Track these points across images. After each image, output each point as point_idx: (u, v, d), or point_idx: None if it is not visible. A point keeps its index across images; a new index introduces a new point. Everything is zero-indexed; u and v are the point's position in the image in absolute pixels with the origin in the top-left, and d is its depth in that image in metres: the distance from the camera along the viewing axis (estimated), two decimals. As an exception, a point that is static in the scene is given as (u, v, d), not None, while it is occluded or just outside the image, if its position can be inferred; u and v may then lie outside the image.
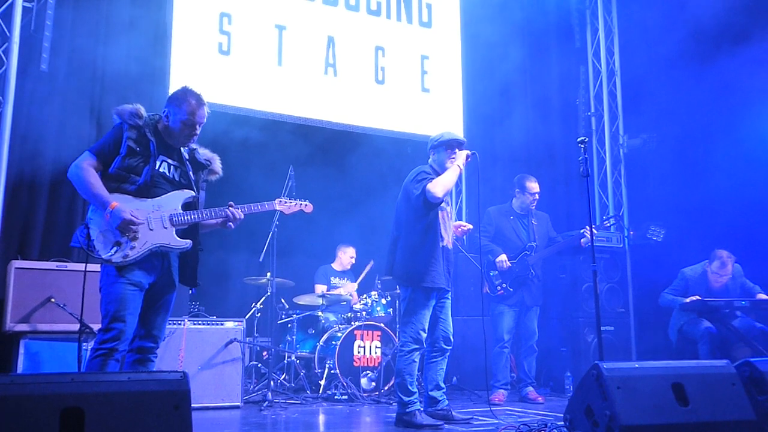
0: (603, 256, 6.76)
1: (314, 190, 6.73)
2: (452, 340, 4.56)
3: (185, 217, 3.36)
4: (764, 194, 6.34)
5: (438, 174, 4.47)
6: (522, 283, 5.77)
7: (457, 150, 4.48)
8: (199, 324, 5.25)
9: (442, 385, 4.53)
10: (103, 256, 3.15)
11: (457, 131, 7.60)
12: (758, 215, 6.30)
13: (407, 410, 4.25)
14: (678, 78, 7.10)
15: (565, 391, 6.25)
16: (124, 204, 3.20)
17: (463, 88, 7.74)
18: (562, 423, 3.18)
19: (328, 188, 6.99)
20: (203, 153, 3.66)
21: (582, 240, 5.85)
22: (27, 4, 5.52)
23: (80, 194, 3.29)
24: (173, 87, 6.00)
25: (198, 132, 3.46)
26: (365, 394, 5.71)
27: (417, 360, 4.36)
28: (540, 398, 5.72)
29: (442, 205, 4.45)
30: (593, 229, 4.41)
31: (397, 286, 5.41)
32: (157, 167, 3.35)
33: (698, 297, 5.68)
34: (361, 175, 7.25)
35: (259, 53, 6.59)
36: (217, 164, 3.71)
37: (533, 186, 5.90)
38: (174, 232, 3.33)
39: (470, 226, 4.85)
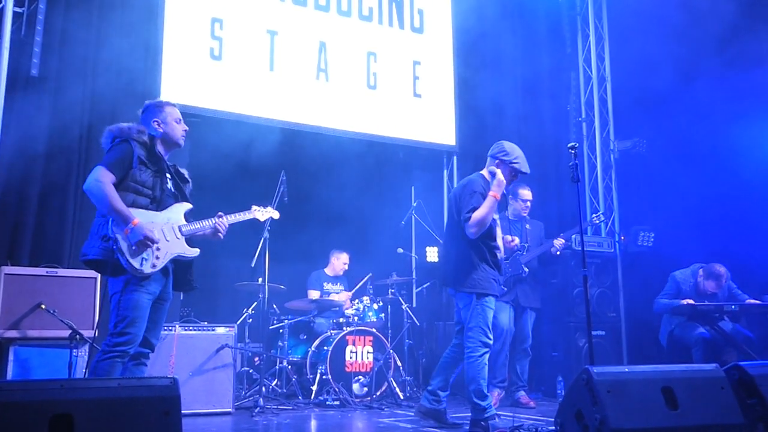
0: (594, 261, 6.79)
1: (305, 195, 6.77)
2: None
3: (191, 228, 3.61)
4: (753, 198, 6.39)
5: (489, 184, 4.44)
6: (516, 282, 5.82)
7: (497, 175, 4.39)
8: (190, 329, 5.24)
9: (448, 389, 4.57)
10: (137, 267, 3.32)
11: (450, 137, 7.66)
12: (748, 219, 6.34)
13: (485, 415, 4.23)
14: (668, 84, 7.15)
15: (557, 396, 6.26)
16: (143, 220, 3.38)
17: (455, 93, 7.77)
18: (553, 427, 3.18)
19: (319, 193, 6.99)
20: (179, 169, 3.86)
21: (552, 249, 6.02)
22: (18, 9, 5.51)
23: (99, 208, 3.39)
24: (165, 92, 6.02)
25: (186, 127, 3.72)
26: (357, 400, 5.71)
27: (487, 362, 4.34)
28: (532, 402, 5.73)
29: (495, 217, 4.50)
30: (582, 235, 4.47)
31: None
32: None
33: (691, 301, 5.70)
34: (353, 181, 7.25)
35: (250, 58, 6.59)
36: (186, 176, 3.89)
37: (525, 193, 6.02)
38: (185, 242, 3.57)
39: (517, 240, 5.49)
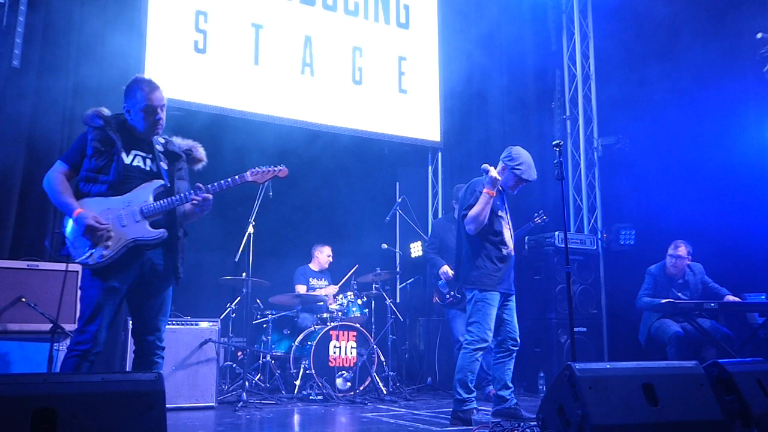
0: (576, 258, 6.85)
1: (290, 190, 6.76)
2: (518, 340, 4.66)
3: (155, 207, 3.34)
4: (735, 197, 6.46)
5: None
6: None
7: (489, 171, 4.41)
8: (174, 324, 5.21)
9: (510, 385, 4.62)
10: (79, 260, 3.19)
11: (435, 133, 7.68)
12: (728, 217, 6.41)
13: (464, 408, 4.33)
14: (652, 83, 7.21)
15: (539, 391, 6.32)
16: (90, 209, 3.22)
17: (440, 89, 7.78)
18: (535, 422, 3.21)
19: (303, 189, 6.98)
20: (183, 143, 3.63)
21: None
22: (-1, 0, 5.44)
23: (53, 203, 3.36)
24: (149, 85, 5.97)
25: (162, 116, 3.43)
26: (340, 395, 5.72)
27: (480, 359, 4.44)
28: None
29: (500, 214, 4.56)
30: (566, 232, 4.49)
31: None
32: (130, 161, 3.36)
33: (670, 299, 5.79)
34: (337, 176, 7.25)
35: (235, 52, 6.56)
36: (200, 151, 3.69)
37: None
38: (147, 225, 3.31)
39: None
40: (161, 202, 3.36)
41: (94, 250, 3.19)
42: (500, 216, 4.56)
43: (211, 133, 6.24)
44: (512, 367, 4.65)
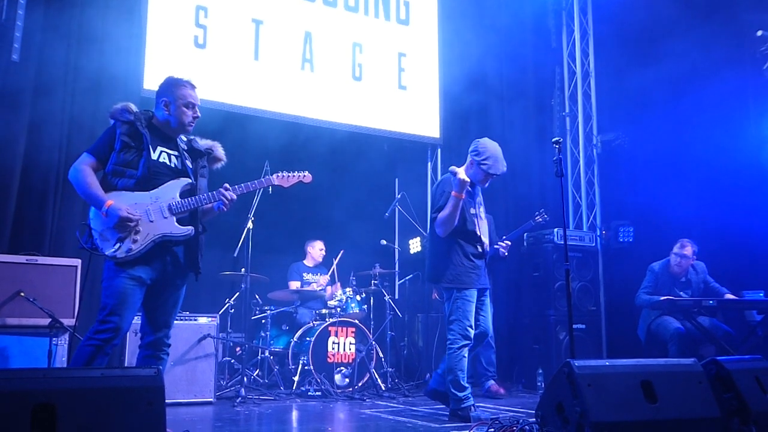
0: (575, 255, 6.87)
1: (289, 186, 6.74)
2: (491, 334, 4.66)
3: (183, 205, 3.38)
4: (733, 196, 6.46)
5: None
6: None
7: (457, 174, 4.32)
8: (172, 319, 5.20)
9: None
10: (107, 253, 3.20)
11: (434, 129, 7.67)
12: (726, 216, 6.42)
13: (462, 405, 4.32)
14: (651, 80, 7.21)
15: (537, 388, 6.33)
16: (120, 201, 3.23)
17: (440, 86, 7.77)
18: (534, 419, 3.22)
19: (303, 184, 6.95)
20: (202, 143, 3.68)
21: (500, 252, 5.88)
22: (-2, -7, 5.42)
23: (80, 195, 3.32)
24: (147, 79, 5.96)
25: (198, 114, 3.51)
26: (339, 391, 5.73)
27: (466, 356, 4.41)
28: (501, 390, 5.81)
29: (472, 211, 4.51)
30: (565, 229, 4.47)
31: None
32: (156, 157, 3.39)
33: (670, 297, 5.79)
34: (337, 172, 7.24)
35: (235, 47, 6.54)
36: (220, 151, 3.73)
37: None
38: (174, 221, 3.36)
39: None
40: (189, 200, 3.42)
41: (122, 244, 3.21)
42: (472, 213, 4.50)
43: (210, 129, 6.22)
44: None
